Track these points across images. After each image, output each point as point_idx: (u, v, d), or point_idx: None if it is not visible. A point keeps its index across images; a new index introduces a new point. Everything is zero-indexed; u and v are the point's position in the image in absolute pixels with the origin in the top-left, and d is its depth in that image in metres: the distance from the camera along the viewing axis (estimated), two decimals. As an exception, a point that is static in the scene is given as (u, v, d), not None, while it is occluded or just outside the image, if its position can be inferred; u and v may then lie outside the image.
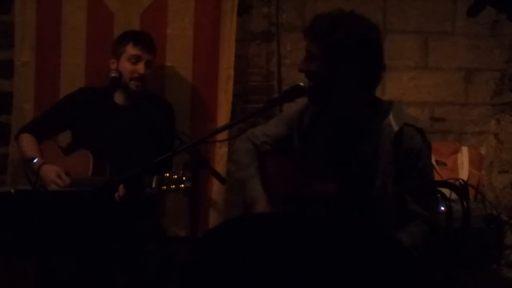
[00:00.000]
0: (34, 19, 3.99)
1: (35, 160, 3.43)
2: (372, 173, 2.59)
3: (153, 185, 3.01)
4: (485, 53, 4.48)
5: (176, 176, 2.85)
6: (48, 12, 4.00)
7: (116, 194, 3.16)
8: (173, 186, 2.86)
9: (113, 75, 3.53)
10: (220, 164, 4.00)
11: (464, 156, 4.34)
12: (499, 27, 4.44)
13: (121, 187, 3.17)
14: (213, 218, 4.02)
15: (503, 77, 4.46)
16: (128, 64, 3.57)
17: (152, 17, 4.05)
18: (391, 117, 2.62)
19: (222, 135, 3.31)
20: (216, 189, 4.00)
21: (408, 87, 4.43)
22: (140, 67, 3.57)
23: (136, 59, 3.57)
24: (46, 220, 2.55)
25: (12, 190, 2.70)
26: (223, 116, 4.03)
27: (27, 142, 3.56)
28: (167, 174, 2.87)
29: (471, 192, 4.16)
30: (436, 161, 4.25)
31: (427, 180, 2.65)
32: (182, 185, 2.84)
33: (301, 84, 2.59)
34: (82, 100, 3.67)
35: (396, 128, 2.59)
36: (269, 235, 2.15)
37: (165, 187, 2.88)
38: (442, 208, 3.15)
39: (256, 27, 4.37)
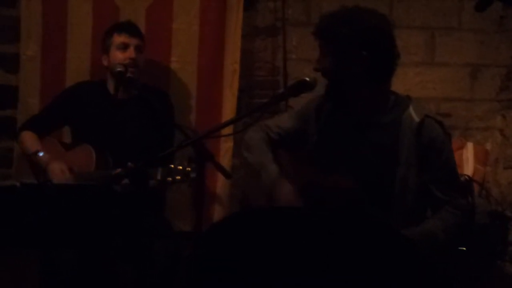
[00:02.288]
0: (40, 14, 3.99)
1: (40, 154, 3.44)
2: (392, 164, 2.64)
3: (158, 177, 3.01)
4: (492, 49, 4.46)
5: (181, 167, 2.86)
6: (54, 7, 4.01)
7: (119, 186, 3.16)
8: (179, 177, 2.87)
9: (118, 69, 3.52)
10: (225, 158, 4.00)
11: (469, 151, 4.33)
12: (506, 22, 4.43)
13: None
14: (218, 213, 4.02)
15: (509, 73, 4.44)
16: (119, 53, 3.59)
17: (158, 11, 4.05)
18: (411, 110, 2.68)
19: (227, 130, 3.31)
20: (221, 183, 4.00)
21: (414, 82, 4.42)
22: (130, 52, 3.58)
23: (124, 46, 3.59)
24: (51, 214, 2.55)
25: (18, 184, 2.71)
26: (228, 111, 4.03)
27: (29, 139, 3.57)
28: (172, 166, 2.87)
29: (476, 188, 4.14)
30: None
31: (453, 170, 2.73)
32: (187, 176, 2.84)
33: (307, 79, 2.61)
34: (79, 94, 3.68)
35: (417, 119, 2.64)
36: (274, 229, 2.15)
37: (170, 179, 2.89)
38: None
39: (262, 21, 4.37)
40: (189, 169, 2.82)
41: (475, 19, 4.42)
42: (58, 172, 3.35)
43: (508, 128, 4.37)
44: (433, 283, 2.56)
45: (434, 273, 2.60)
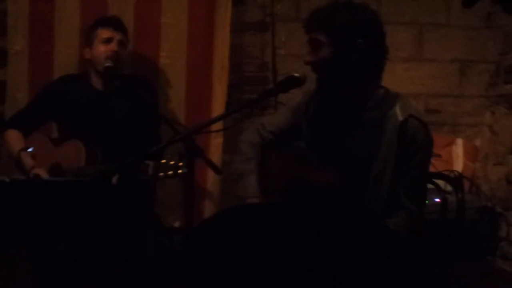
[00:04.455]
0: (27, 8, 3.97)
1: (23, 152, 3.42)
2: (372, 160, 2.63)
3: (150, 172, 3.01)
4: (480, 45, 4.49)
5: (172, 162, 2.85)
6: (41, 1, 3.98)
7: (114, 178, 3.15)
8: (170, 172, 2.86)
9: (107, 64, 3.51)
10: (215, 154, 3.99)
11: (458, 148, 4.35)
12: (494, 19, 4.45)
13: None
14: (208, 209, 4.02)
15: (498, 69, 4.47)
16: (102, 46, 3.56)
17: (146, 6, 4.03)
18: (397, 108, 2.66)
19: (217, 125, 3.30)
20: (211, 179, 4.00)
21: (403, 78, 4.44)
22: (113, 45, 3.56)
23: (108, 40, 3.57)
24: (41, 209, 2.54)
25: (7, 180, 2.69)
26: (218, 106, 4.02)
27: (14, 138, 3.54)
28: (164, 160, 2.87)
29: (466, 184, 4.16)
30: (431, 152, 4.26)
31: (420, 174, 2.68)
32: (179, 171, 2.84)
33: (296, 74, 2.61)
34: (62, 88, 3.65)
35: (401, 118, 2.63)
36: (264, 225, 2.15)
37: (162, 174, 2.88)
38: (437, 200, 3.16)
39: (251, 17, 4.37)
40: (181, 164, 2.81)
41: (463, 15, 4.44)
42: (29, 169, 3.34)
43: (497, 124, 4.39)
44: (421, 278, 2.57)
45: (422, 268, 2.61)
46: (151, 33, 3.97)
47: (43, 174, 3.34)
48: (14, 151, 3.48)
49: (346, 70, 2.65)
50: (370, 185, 2.63)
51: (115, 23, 3.63)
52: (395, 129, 2.62)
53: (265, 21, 4.36)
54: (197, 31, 4.06)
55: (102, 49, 3.55)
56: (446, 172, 3.75)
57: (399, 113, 2.65)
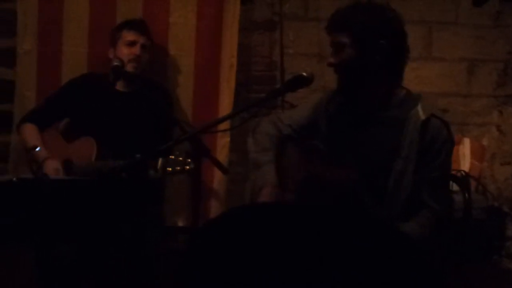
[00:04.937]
0: (36, 7, 3.99)
1: (37, 149, 3.44)
2: (392, 159, 2.64)
3: (158, 167, 3.02)
4: (489, 44, 4.46)
5: (181, 158, 2.87)
6: (50, 0, 4.00)
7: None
8: (178, 168, 2.88)
9: (115, 63, 3.55)
10: (222, 154, 3.98)
11: (466, 147, 4.34)
12: (502, 18, 4.43)
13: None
14: (214, 208, 4.01)
15: (506, 69, 4.45)
16: (125, 49, 3.63)
17: (155, 5, 4.04)
18: (419, 107, 2.67)
19: (224, 125, 3.30)
20: (217, 179, 4.00)
21: (411, 77, 4.39)
22: (136, 49, 3.61)
23: (131, 43, 3.63)
24: (48, 208, 2.55)
25: (14, 179, 2.70)
26: (226, 105, 4.02)
27: (29, 132, 3.57)
28: (172, 156, 2.88)
29: (473, 183, 4.15)
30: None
31: (444, 174, 2.71)
32: (187, 167, 2.85)
33: (304, 73, 2.61)
34: (83, 86, 3.69)
35: (423, 117, 2.64)
36: (271, 225, 2.14)
37: (170, 169, 2.89)
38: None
39: (259, 16, 4.36)
40: (189, 160, 2.83)
41: (472, 14, 4.42)
42: (52, 171, 3.35)
43: (505, 124, 4.38)
44: (430, 280, 2.56)
45: (431, 270, 2.60)
46: (160, 32, 3.98)
47: (57, 165, 3.37)
48: (27, 145, 3.52)
49: (369, 71, 2.66)
50: (391, 184, 2.64)
51: (140, 27, 3.70)
52: (417, 128, 2.63)
53: (273, 20, 4.36)
54: (206, 30, 4.06)
55: (125, 51, 3.62)
56: (453, 172, 3.76)
57: (421, 112, 2.66)
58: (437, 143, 2.64)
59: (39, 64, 4.00)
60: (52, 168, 3.38)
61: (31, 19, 3.97)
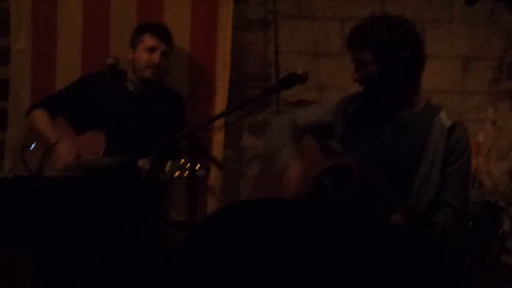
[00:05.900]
0: (30, 6, 3.99)
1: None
2: (417, 161, 2.74)
3: (166, 170, 3.02)
4: (483, 42, 4.47)
5: (189, 165, 2.87)
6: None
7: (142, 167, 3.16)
8: (186, 173, 2.88)
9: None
10: (217, 150, 4.00)
11: (461, 143, 4.34)
12: (496, 15, 4.43)
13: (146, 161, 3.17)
14: (211, 204, 4.02)
15: (501, 66, 4.45)
16: (145, 54, 3.63)
17: (149, 4, 4.05)
18: (442, 114, 2.82)
19: (219, 122, 3.32)
20: (213, 175, 4.00)
21: (406, 75, 4.42)
22: (156, 56, 3.63)
23: (152, 49, 3.62)
24: (44, 206, 2.54)
25: (10, 176, 2.70)
26: (220, 103, 4.03)
27: (41, 118, 3.58)
28: (182, 160, 2.88)
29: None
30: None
31: (465, 176, 2.84)
32: (196, 173, 2.85)
33: (298, 72, 2.64)
34: (97, 83, 3.69)
35: (449, 123, 2.78)
36: (266, 221, 2.15)
37: (178, 173, 2.89)
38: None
39: (253, 14, 4.35)
40: (198, 167, 2.82)
41: (466, 12, 4.42)
42: (64, 152, 3.34)
43: (500, 120, 4.38)
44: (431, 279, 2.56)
45: (433, 269, 2.60)
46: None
47: (68, 146, 3.36)
48: (40, 131, 3.52)
49: (393, 82, 2.77)
50: (416, 185, 2.73)
51: (163, 33, 3.70)
52: (443, 133, 2.76)
53: (267, 18, 4.35)
54: (200, 29, 4.07)
55: (145, 57, 3.63)
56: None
57: (445, 119, 2.80)
58: (461, 147, 2.78)
59: (33, 63, 4.00)
60: (65, 149, 3.36)
61: (25, 18, 3.98)
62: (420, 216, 2.62)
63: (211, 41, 4.08)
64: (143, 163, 3.16)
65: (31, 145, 3.46)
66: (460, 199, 2.79)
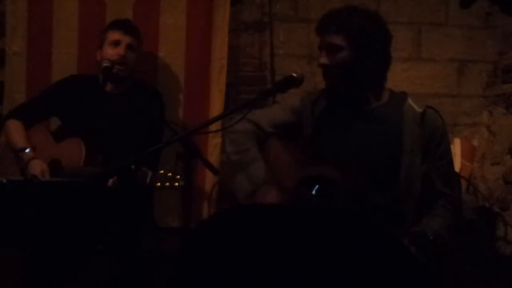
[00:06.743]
0: (26, 9, 3.98)
1: (27, 150, 3.42)
2: (397, 153, 2.68)
3: (147, 181, 3.00)
4: (478, 45, 4.48)
5: (170, 174, 2.85)
6: (40, 2, 3.99)
7: (111, 180, 3.15)
8: (167, 184, 2.86)
9: (105, 64, 3.53)
10: (213, 155, 3.99)
11: (456, 147, 4.35)
12: (492, 19, 4.45)
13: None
14: (206, 209, 4.00)
15: (496, 69, 4.46)
16: (110, 49, 3.60)
17: (145, 6, 4.04)
18: (410, 101, 2.77)
19: (215, 126, 3.30)
20: (209, 180, 3.99)
21: (401, 78, 4.43)
22: (121, 49, 3.58)
23: (116, 43, 3.60)
24: (38, 210, 2.53)
25: (4, 180, 2.69)
26: (216, 106, 4.02)
27: (16, 130, 3.55)
28: (162, 171, 2.86)
29: (463, 183, 4.16)
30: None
31: (449, 159, 2.78)
32: (176, 183, 2.83)
33: (294, 74, 2.63)
34: (71, 87, 3.67)
35: (420, 109, 2.73)
36: (262, 226, 2.14)
37: (158, 184, 2.88)
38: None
39: (249, 17, 4.36)
40: (178, 176, 2.81)
41: (461, 15, 4.43)
42: (38, 171, 3.33)
43: (495, 124, 4.39)
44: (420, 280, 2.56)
45: (427, 274, 2.60)
46: (150, 34, 3.97)
47: (42, 165, 3.34)
48: (14, 144, 3.49)
49: (363, 74, 2.71)
50: (402, 178, 2.66)
51: (125, 26, 3.66)
52: (416, 120, 2.70)
53: (263, 21, 4.36)
54: (196, 31, 4.06)
55: (110, 52, 3.59)
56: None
57: (414, 105, 2.75)
58: (438, 132, 2.72)
59: (29, 66, 3.99)
60: (39, 168, 3.35)
61: (21, 21, 3.96)
62: (428, 239, 2.58)
63: (207, 43, 4.07)
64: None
65: (26, 148, 3.44)
66: (452, 185, 2.74)
